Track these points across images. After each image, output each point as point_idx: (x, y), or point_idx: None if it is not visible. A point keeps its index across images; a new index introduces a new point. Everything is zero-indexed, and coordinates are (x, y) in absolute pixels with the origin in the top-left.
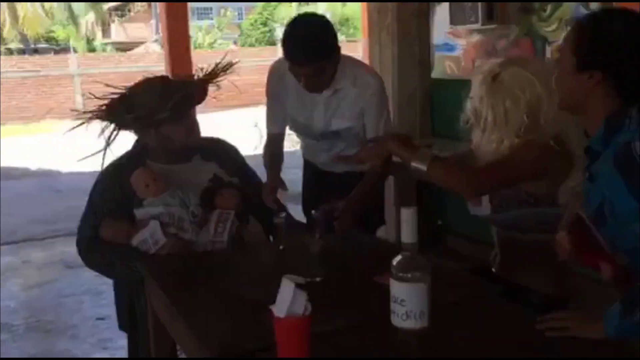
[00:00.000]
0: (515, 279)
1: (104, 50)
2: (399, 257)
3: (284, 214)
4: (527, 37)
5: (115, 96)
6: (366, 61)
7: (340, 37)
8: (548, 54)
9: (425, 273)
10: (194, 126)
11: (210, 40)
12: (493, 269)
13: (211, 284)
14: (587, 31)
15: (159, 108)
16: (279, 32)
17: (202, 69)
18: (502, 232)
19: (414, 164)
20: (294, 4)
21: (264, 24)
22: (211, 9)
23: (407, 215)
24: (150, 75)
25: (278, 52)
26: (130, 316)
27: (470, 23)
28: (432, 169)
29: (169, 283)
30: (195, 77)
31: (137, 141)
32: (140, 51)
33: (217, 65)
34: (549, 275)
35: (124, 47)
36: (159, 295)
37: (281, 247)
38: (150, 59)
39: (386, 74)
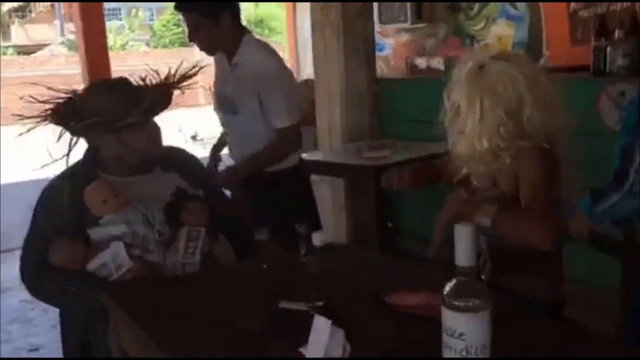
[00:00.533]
0: (510, 286)
1: (4, 53)
2: (452, 283)
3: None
4: (456, 36)
5: (61, 100)
6: (292, 60)
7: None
8: None
9: (486, 300)
10: (158, 134)
11: (121, 42)
12: (482, 276)
13: (194, 312)
14: None
15: (126, 112)
16: None
17: (157, 72)
18: (494, 240)
19: (477, 220)
20: None
21: (178, 25)
22: (120, 9)
23: (463, 234)
24: (106, 78)
25: (195, 54)
26: (83, 351)
27: (399, 22)
28: (498, 224)
29: (143, 313)
30: (159, 81)
31: (87, 151)
32: (45, 54)
33: (175, 69)
34: (545, 281)
35: (26, 50)
36: (131, 327)
37: (264, 265)
38: (58, 62)
39: (333, 73)
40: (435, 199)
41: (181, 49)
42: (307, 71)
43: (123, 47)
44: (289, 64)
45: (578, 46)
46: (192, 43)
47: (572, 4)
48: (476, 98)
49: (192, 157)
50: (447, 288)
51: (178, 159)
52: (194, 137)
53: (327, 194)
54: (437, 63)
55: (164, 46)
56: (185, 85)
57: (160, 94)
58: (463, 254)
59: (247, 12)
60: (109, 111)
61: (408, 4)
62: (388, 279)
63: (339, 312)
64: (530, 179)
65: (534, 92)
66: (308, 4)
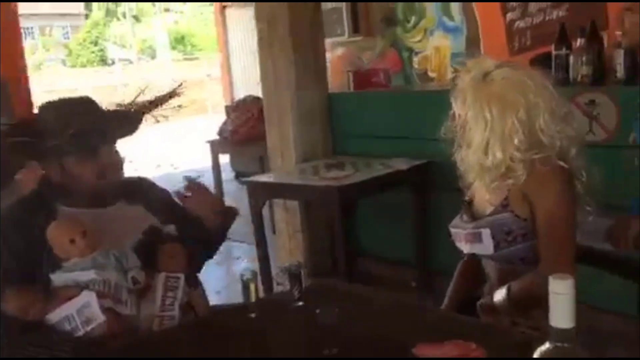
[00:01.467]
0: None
1: None
2: (546, 348)
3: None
4: (393, 49)
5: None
6: (225, 76)
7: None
8: (415, 64)
9: None
10: (112, 165)
11: (36, 62)
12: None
13: None
14: None
15: (56, 134)
16: (112, 51)
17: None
18: (503, 265)
19: (496, 299)
20: (127, 21)
21: (95, 43)
22: (32, 28)
23: (561, 289)
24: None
25: (115, 73)
26: None
27: (336, 36)
28: (513, 297)
29: None
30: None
31: (42, 179)
32: None
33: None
34: None
35: None
36: None
37: (252, 314)
38: None
39: (283, 90)
40: (395, 221)
41: (100, 68)
42: (238, 86)
43: (38, 67)
44: (223, 79)
45: (516, 55)
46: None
47: (509, 15)
48: (483, 107)
49: (156, 186)
50: (539, 354)
51: (143, 190)
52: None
53: (281, 217)
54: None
55: (82, 65)
56: (161, 112)
57: (117, 121)
58: (559, 313)
59: (169, 29)
60: (44, 131)
61: (345, 17)
62: (406, 325)
63: None
64: (548, 207)
65: (545, 99)
66: (239, 20)
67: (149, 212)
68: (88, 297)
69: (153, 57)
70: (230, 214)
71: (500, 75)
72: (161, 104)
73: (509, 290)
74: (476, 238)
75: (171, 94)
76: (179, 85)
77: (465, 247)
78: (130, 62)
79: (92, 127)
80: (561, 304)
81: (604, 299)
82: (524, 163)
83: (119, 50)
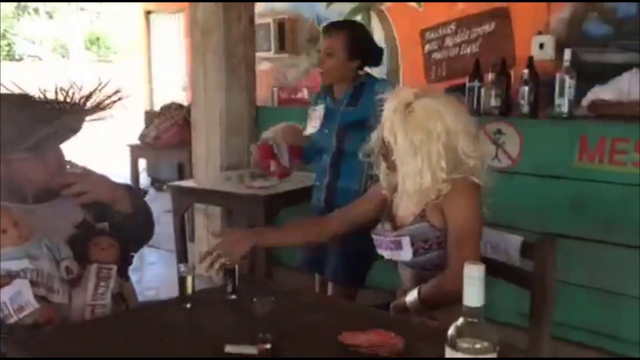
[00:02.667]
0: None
1: None
2: (460, 323)
3: (187, 265)
4: (317, 68)
5: None
6: (146, 80)
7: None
8: None
9: (493, 343)
10: (58, 162)
11: None
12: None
13: None
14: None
15: (18, 138)
16: (22, 47)
17: (66, 93)
18: (421, 273)
19: (407, 300)
20: (40, 17)
21: (2, 37)
22: None
23: (473, 273)
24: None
25: (24, 70)
26: None
27: (262, 51)
28: (424, 297)
29: None
30: (70, 104)
31: None
32: None
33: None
34: None
35: None
36: None
37: (187, 305)
38: None
39: (212, 99)
40: None
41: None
42: (157, 92)
43: None
44: (144, 84)
45: (432, 84)
46: None
47: (427, 46)
48: (409, 137)
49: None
50: (453, 330)
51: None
52: None
53: (201, 223)
54: (303, 94)
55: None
56: (104, 110)
57: (69, 121)
58: (471, 294)
59: (84, 29)
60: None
61: (272, 34)
62: (333, 318)
63: (292, 354)
64: (461, 218)
65: (462, 123)
66: (163, 27)
67: (84, 208)
68: (20, 285)
69: (64, 56)
70: (133, 190)
71: (420, 105)
72: (103, 102)
73: (419, 291)
74: (397, 245)
75: (114, 92)
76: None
77: (385, 254)
78: (40, 59)
79: (34, 132)
80: (474, 285)
81: (496, 311)
82: (447, 182)
83: (29, 46)
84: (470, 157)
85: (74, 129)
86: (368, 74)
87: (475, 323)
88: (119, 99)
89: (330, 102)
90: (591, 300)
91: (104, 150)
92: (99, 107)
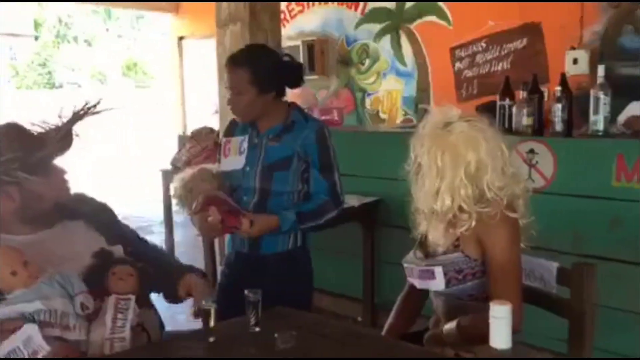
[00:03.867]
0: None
1: None
2: None
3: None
4: (347, 89)
5: None
6: (175, 108)
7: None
8: (367, 105)
9: None
10: (65, 178)
11: None
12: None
13: None
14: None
15: (21, 164)
16: (61, 75)
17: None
18: (455, 302)
19: (445, 331)
20: (80, 46)
21: (43, 65)
22: None
23: (501, 313)
24: None
25: (63, 97)
26: None
27: (285, 57)
28: (463, 329)
29: None
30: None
31: None
32: None
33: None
34: None
35: None
36: None
37: (211, 338)
38: None
39: None
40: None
41: (44, 91)
42: (191, 117)
43: None
44: (177, 108)
45: (463, 102)
46: None
47: (457, 64)
48: (437, 155)
49: (99, 203)
50: None
51: (84, 205)
52: None
53: None
54: (333, 115)
55: (28, 87)
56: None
57: (63, 134)
58: (498, 336)
59: (121, 56)
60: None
61: (301, 56)
62: (358, 353)
63: None
64: (500, 255)
65: (495, 159)
66: (195, 52)
67: (90, 227)
68: (30, 331)
69: (103, 82)
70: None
71: (458, 129)
72: (81, 118)
73: (458, 324)
74: (429, 275)
75: (88, 109)
76: (97, 103)
77: (416, 282)
78: (79, 86)
79: (42, 147)
80: (500, 327)
81: (540, 337)
82: (469, 214)
83: (69, 73)
84: (495, 194)
85: (64, 147)
86: (298, 110)
87: None
88: (94, 110)
89: (254, 135)
90: (630, 324)
91: (139, 175)
92: (81, 119)
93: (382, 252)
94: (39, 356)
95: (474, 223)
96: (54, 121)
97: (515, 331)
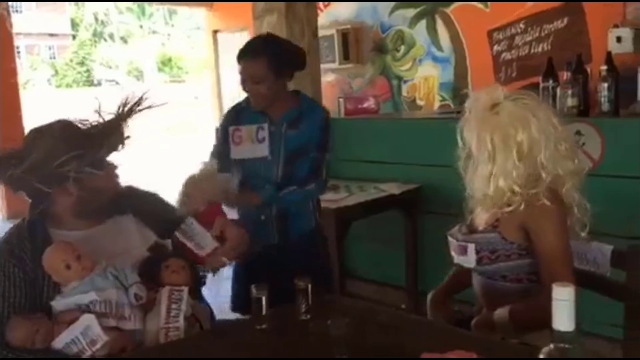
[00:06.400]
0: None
1: None
2: (551, 348)
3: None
4: (382, 76)
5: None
6: (212, 100)
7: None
8: (404, 92)
9: None
10: (116, 171)
11: (22, 80)
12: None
13: None
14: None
15: (80, 159)
16: (99, 73)
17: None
18: (487, 282)
19: (496, 317)
20: (115, 43)
21: (81, 64)
22: (19, 47)
23: (564, 295)
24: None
25: (103, 94)
26: None
27: (327, 62)
28: (516, 311)
29: None
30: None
31: (31, 207)
32: None
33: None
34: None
35: None
36: None
37: (263, 326)
38: None
39: None
40: (386, 243)
41: (85, 89)
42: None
43: (24, 86)
44: (213, 101)
45: (503, 86)
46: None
47: (495, 47)
48: (487, 138)
49: (151, 196)
50: (544, 353)
51: (132, 198)
52: None
53: None
54: (370, 103)
55: (68, 85)
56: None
57: (115, 129)
58: (562, 318)
59: (156, 51)
60: (68, 155)
61: (336, 45)
62: (411, 339)
63: None
64: (550, 243)
65: (548, 136)
66: (230, 44)
67: (140, 220)
68: (88, 321)
69: (139, 78)
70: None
71: (506, 109)
72: (132, 113)
73: (511, 309)
74: (462, 250)
75: (138, 102)
76: (142, 97)
77: (454, 256)
78: (117, 83)
79: (98, 143)
80: (563, 309)
81: (592, 323)
82: (521, 196)
83: (106, 71)
84: (549, 172)
85: (119, 144)
86: (302, 95)
87: (567, 349)
88: (146, 104)
89: (269, 124)
90: None
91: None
92: (130, 116)
93: (423, 239)
94: (97, 346)
95: (522, 206)
96: (94, 117)
97: None
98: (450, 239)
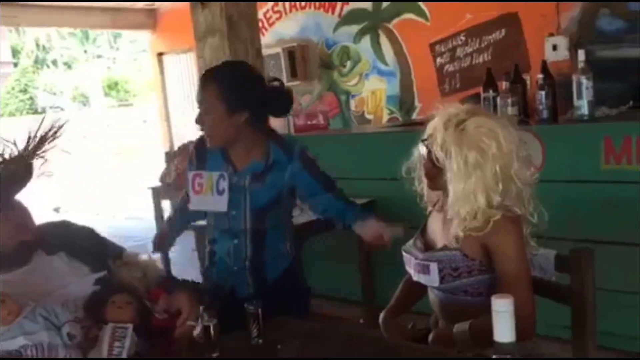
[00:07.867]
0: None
1: None
2: None
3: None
4: (330, 92)
5: None
6: (160, 124)
7: (111, 102)
8: (352, 107)
9: None
10: (26, 215)
11: None
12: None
13: None
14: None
15: None
16: (43, 100)
17: (14, 143)
18: (447, 296)
19: (455, 332)
20: (60, 70)
21: (24, 91)
22: None
23: (502, 307)
24: None
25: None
26: None
27: (273, 81)
28: (476, 331)
29: None
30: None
31: None
32: None
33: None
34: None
35: None
36: None
37: (215, 354)
38: None
39: None
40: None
41: (29, 116)
42: (176, 132)
43: None
44: (161, 124)
45: (447, 97)
46: None
47: (438, 59)
48: (463, 155)
49: (83, 230)
50: None
51: (62, 234)
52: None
53: None
54: (319, 119)
55: (11, 114)
56: (46, 151)
57: (16, 168)
58: (504, 329)
59: (102, 76)
60: None
61: (283, 63)
62: (365, 356)
63: None
64: (510, 260)
65: (515, 145)
66: (175, 66)
67: (72, 257)
68: None
69: (85, 104)
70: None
71: (473, 124)
72: (41, 146)
73: (471, 325)
74: (424, 269)
75: (47, 134)
76: (60, 127)
77: (413, 275)
78: (62, 110)
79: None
80: (502, 320)
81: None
82: (498, 209)
83: (50, 97)
84: (524, 182)
85: (23, 179)
86: (277, 143)
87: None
88: (55, 135)
89: (231, 172)
90: (631, 305)
91: (128, 195)
92: (37, 150)
93: (378, 253)
94: None
95: (490, 225)
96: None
97: (530, 338)
98: (406, 254)
